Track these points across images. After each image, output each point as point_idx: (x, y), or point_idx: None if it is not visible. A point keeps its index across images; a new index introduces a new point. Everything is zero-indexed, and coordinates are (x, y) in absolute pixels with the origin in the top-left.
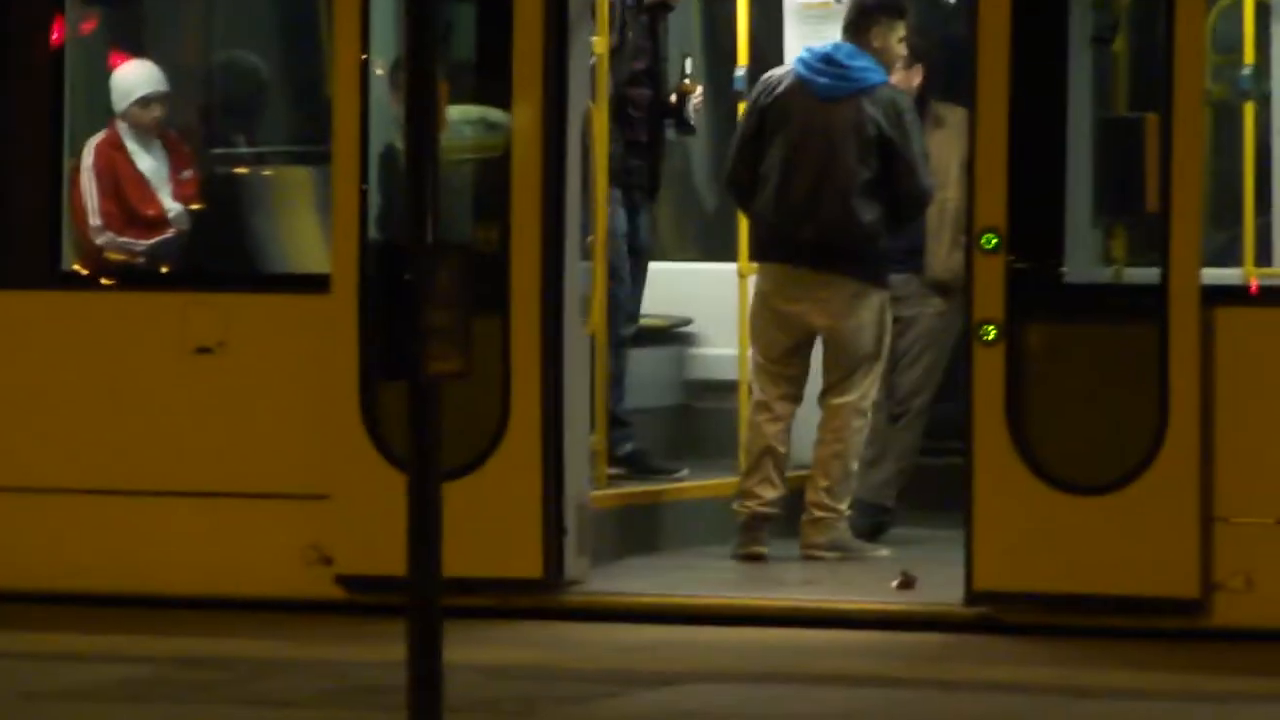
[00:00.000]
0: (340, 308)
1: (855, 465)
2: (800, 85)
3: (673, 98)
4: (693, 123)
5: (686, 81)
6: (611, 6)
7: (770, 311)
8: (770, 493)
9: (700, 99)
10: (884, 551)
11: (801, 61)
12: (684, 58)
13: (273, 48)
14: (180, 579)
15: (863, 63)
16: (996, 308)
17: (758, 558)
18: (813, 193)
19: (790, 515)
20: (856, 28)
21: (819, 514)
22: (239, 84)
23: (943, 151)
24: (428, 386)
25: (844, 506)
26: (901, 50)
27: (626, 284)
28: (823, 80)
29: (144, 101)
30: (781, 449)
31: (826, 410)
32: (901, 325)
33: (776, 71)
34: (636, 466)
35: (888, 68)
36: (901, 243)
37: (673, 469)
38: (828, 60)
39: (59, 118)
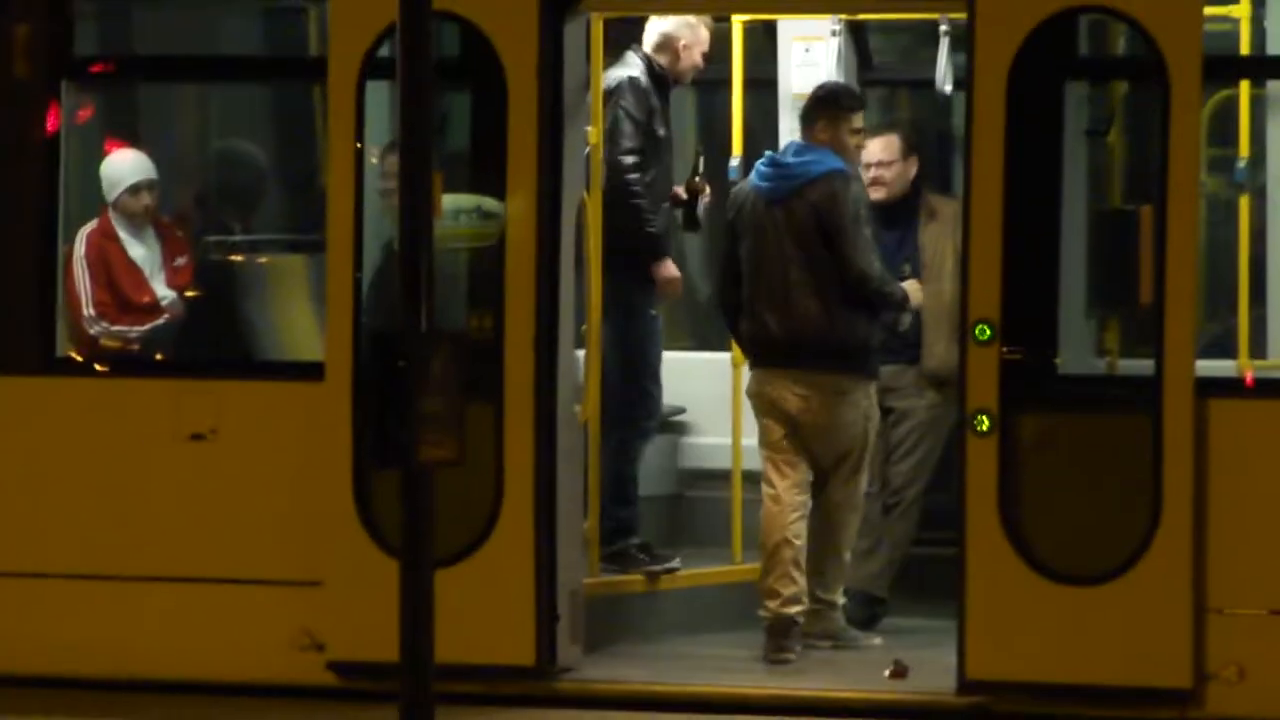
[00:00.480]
0: (334, 395)
1: (848, 555)
2: (754, 193)
3: (683, 193)
4: (700, 221)
5: (698, 180)
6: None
7: (763, 399)
8: (791, 588)
9: (709, 198)
10: (877, 640)
11: (755, 169)
12: (697, 155)
13: (269, 137)
14: (174, 664)
15: (809, 157)
16: (990, 398)
17: (786, 663)
18: (775, 297)
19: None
20: (804, 121)
21: (813, 605)
22: (235, 172)
23: (937, 243)
24: (421, 474)
25: (837, 596)
26: (854, 141)
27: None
28: (766, 184)
29: (134, 189)
30: (797, 541)
31: (817, 503)
32: (896, 416)
33: (742, 185)
34: (637, 558)
35: (846, 159)
36: (898, 333)
37: (665, 557)
38: (773, 163)
39: (53, 205)
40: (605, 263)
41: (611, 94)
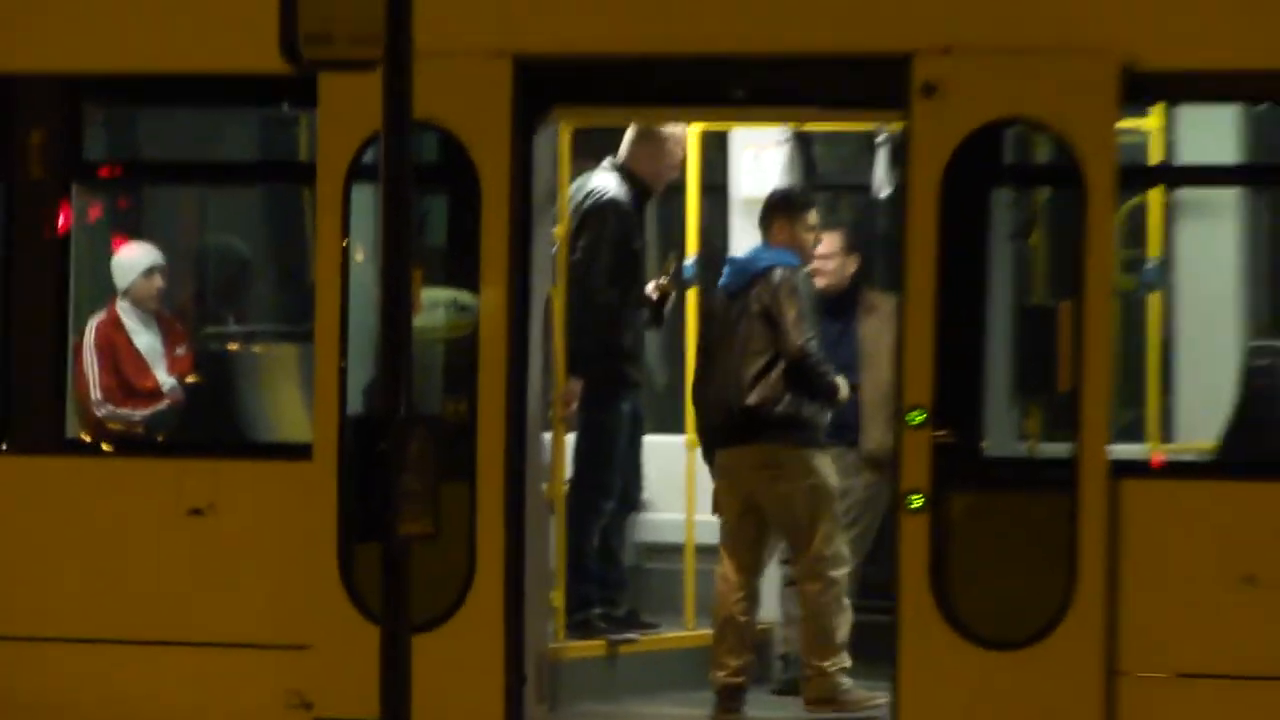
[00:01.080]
0: (321, 473)
1: (833, 620)
2: (720, 293)
3: (652, 293)
4: (665, 318)
5: (665, 281)
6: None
7: (721, 477)
8: (734, 661)
9: (673, 299)
10: (881, 699)
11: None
12: (670, 259)
13: (262, 235)
14: None
15: (765, 255)
16: (922, 478)
17: None
18: (722, 382)
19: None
20: (762, 225)
21: (808, 672)
22: (228, 268)
23: (876, 335)
24: (399, 547)
25: (826, 663)
26: (810, 239)
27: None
28: (724, 280)
29: (149, 272)
30: (742, 618)
31: (794, 578)
32: (835, 492)
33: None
34: (625, 622)
35: (803, 255)
36: (840, 418)
37: (653, 624)
38: (733, 261)
39: (65, 297)
40: (582, 358)
41: (593, 214)
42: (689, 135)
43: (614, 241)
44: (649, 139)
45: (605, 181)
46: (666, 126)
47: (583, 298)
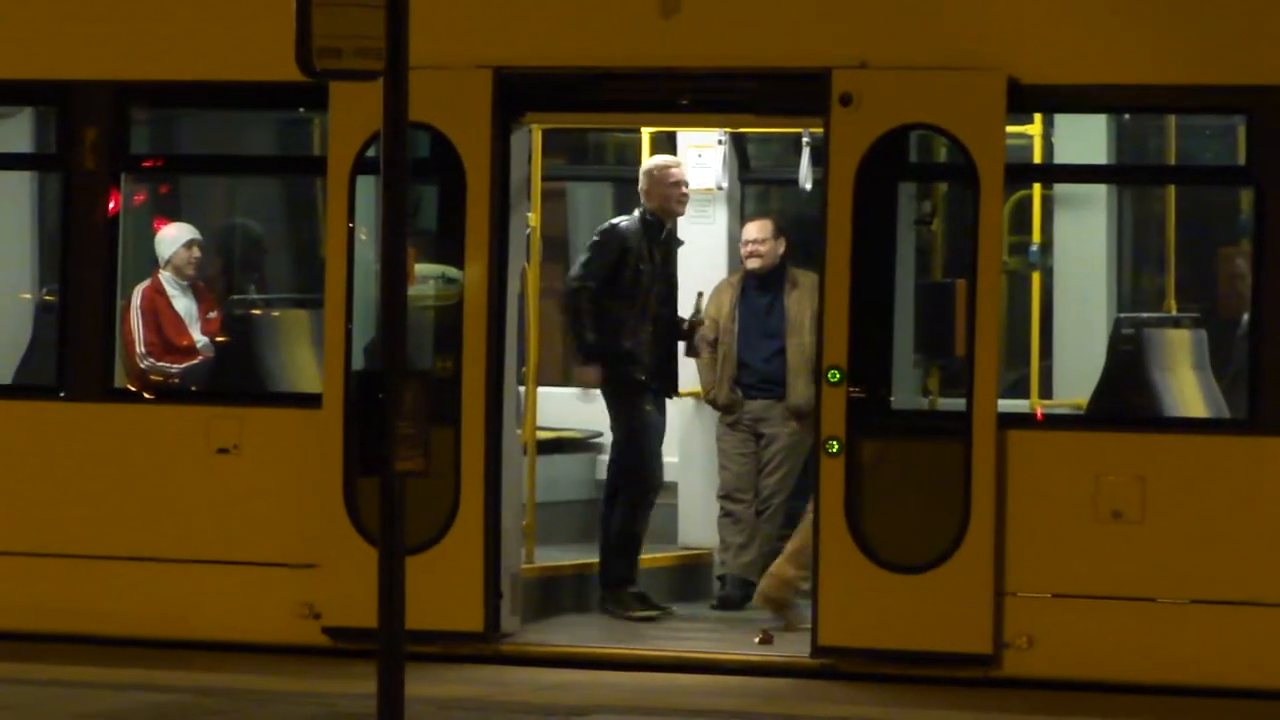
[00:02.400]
0: (329, 419)
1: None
2: None
3: (685, 324)
4: (697, 349)
5: (699, 317)
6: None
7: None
8: None
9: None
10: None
11: None
12: (699, 296)
13: (281, 217)
14: (202, 627)
15: None
16: (839, 427)
17: None
18: None
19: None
20: None
21: (775, 572)
22: (251, 245)
23: (799, 306)
24: (395, 481)
25: (798, 573)
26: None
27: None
28: None
29: (189, 244)
30: None
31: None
32: (766, 440)
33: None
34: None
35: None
36: (769, 375)
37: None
38: None
39: (114, 269)
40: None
41: (596, 238)
42: (642, 136)
43: (600, 255)
44: (648, 177)
45: (625, 216)
46: (664, 163)
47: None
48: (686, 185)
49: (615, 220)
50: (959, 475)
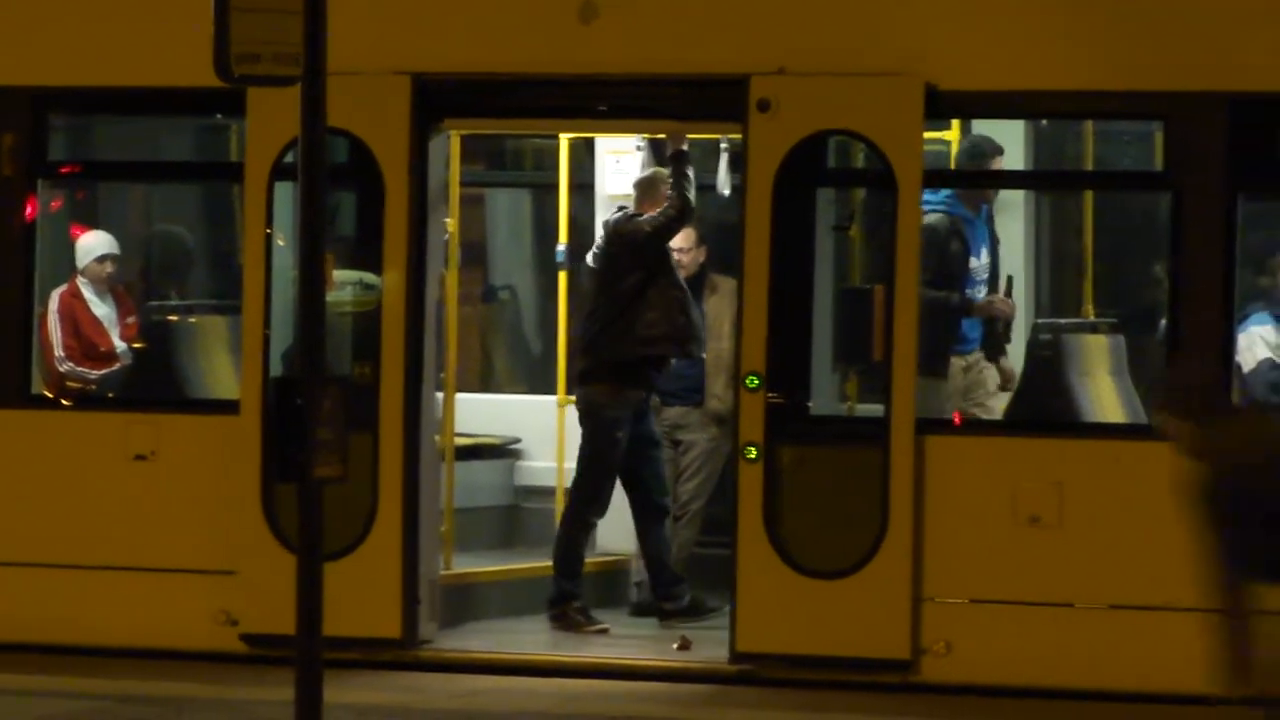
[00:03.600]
0: (247, 425)
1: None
2: None
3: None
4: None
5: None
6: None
7: None
8: None
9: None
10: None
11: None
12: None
13: (200, 223)
14: (120, 634)
15: None
16: (757, 433)
17: None
18: None
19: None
20: None
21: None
22: (170, 251)
23: (718, 312)
24: (314, 487)
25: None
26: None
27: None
28: None
29: (100, 259)
30: None
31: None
32: (684, 446)
33: None
34: (691, 612)
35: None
36: (687, 381)
37: (715, 607)
38: None
39: (30, 275)
40: (586, 377)
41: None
42: (560, 142)
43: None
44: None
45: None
46: (657, 176)
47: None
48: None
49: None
50: (877, 481)
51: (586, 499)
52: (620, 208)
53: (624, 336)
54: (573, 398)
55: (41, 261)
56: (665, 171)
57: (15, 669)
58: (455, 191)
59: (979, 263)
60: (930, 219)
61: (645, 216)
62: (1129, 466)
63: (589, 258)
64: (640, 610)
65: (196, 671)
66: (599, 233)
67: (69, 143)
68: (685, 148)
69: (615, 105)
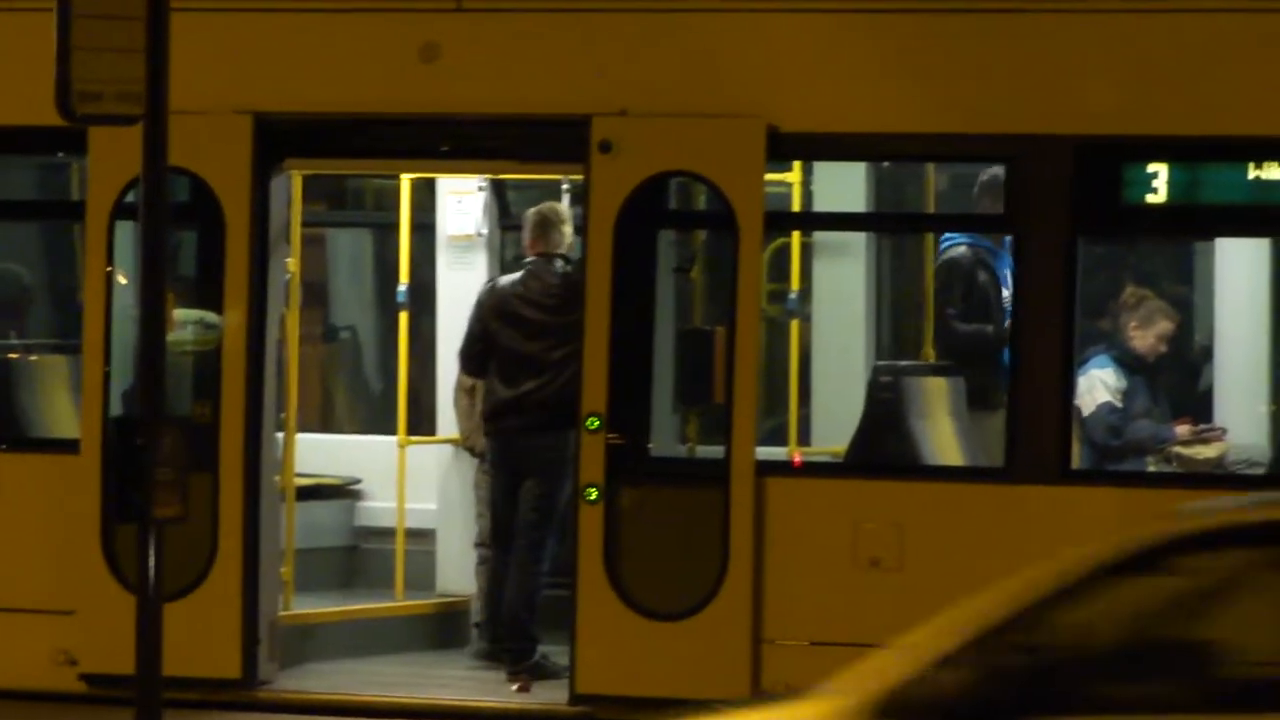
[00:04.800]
0: (87, 464)
1: None
2: None
3: None
4: None
5: None
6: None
7: None
8: None
9: None
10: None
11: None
12: None
13: (41, 262)
14: None
15: None
16: (598, 474)
17: None
18: None
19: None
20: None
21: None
22: (10, 290)
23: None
24: (154, 527)
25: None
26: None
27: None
28: None
29: None
30: None
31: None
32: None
33: None
34: (538, 673)
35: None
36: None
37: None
38: None
39: None
40: (545, 426)
41: None
42: (402, 182)
43: None
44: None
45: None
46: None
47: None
48: None
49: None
50: (718, 522)
51: (541, 544)
52: (550, 255)
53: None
54: (414, 438)
55: None
56: (560, 206)
57: None
58: (297, 231)
59: (1009, 293)
60: (953, 252)
61: None
62: (969, 509)
63: (523, 309)
64: (481, 653)
65: (36, 712)
66: (538, 278)
67: None
68: None
69: (457, 146)
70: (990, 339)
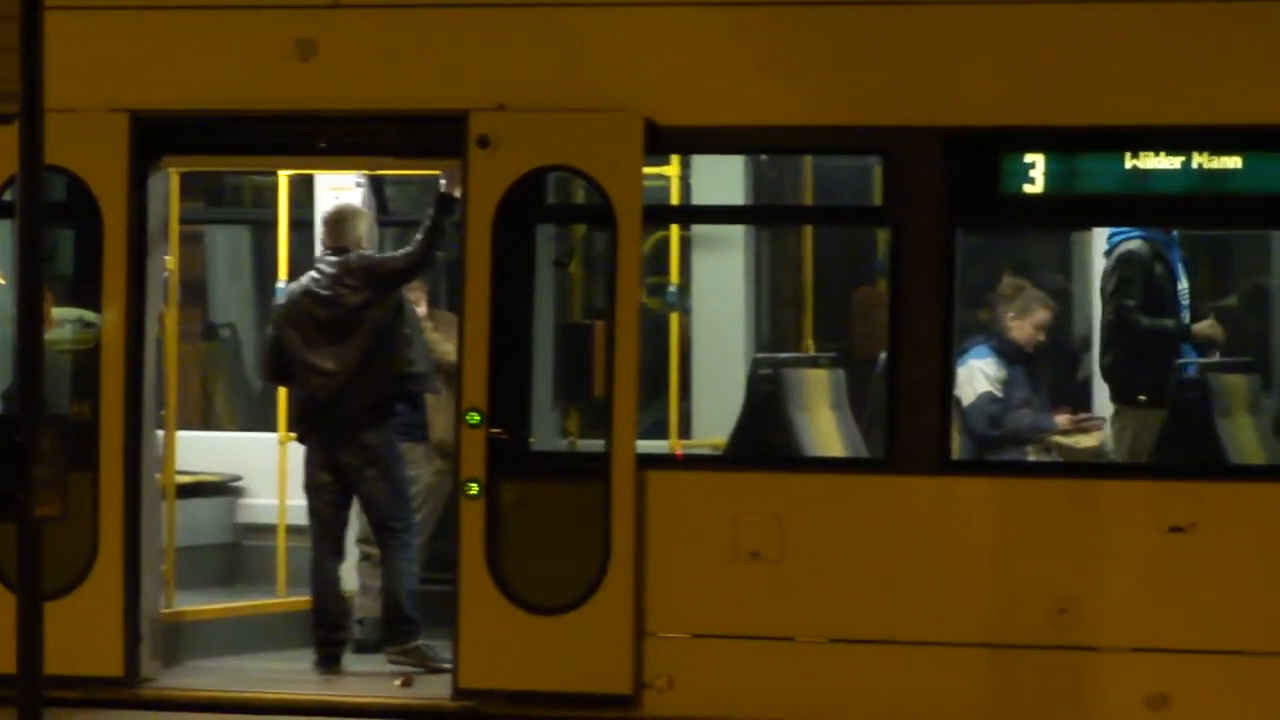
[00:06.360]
0: None
1: None
2: None
3: None
4: None
5: None
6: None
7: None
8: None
9: None
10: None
11: None
12: None
13: None
14: None
15: None
16: (479, 469)
17: None
18: None
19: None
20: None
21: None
22: None
23: (441, 347)
24: (33, 526)
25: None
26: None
27: None
28: None
29: None
30: None
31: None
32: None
33: None
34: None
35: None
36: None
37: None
38: None
39: None
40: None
41: None
42: (280, 179)
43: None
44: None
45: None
46: (351, 209)
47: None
48: None
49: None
50: (599, 516)
51: (410, 527)
52: (339, 249)
53: (383, 375)
54: (293, 435)
55: None
56: (350, 206)
57: None
58: (175, 229)
59: (1184, 285)
60: (1129, 245)
61: (399, 253)
62: (849, 500)
63: (311, 306)
64: (362, 647)
65: None
66: (320, 271)
67: None
68: (457, 193)
69: (335, 142)
70: (1166, 333)
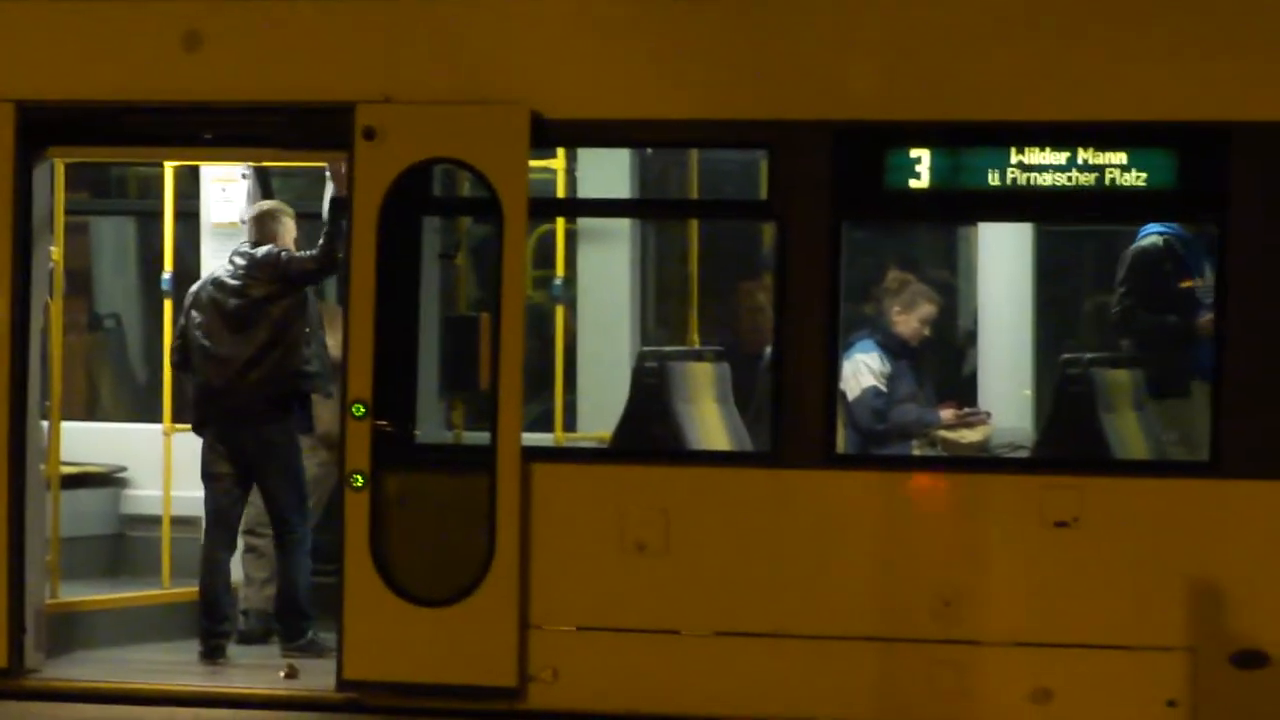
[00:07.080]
0: None
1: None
2: None
3: None
4: None
5: None
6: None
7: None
8: None
9: None
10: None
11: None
12: None
13: None
14: None
15: None
16: (364, 461)
17: None
18: None
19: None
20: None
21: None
22: None
23: (329, 340)
24: None
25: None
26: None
27: None
28: None
29: None
30: None
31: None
32: None
33: None
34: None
35: None
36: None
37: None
38: None
39: None
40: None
41: None
42: (165, 170)
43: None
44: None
45: None
46: (276, 208)
47: None
48: None
49: None
50: (484, 508)
51: (307, 521)
52: (257, 244)
53: (278, 369)
54: (180, 426)
55: None
56: (277, 204)
57: None
58: (60, 220)
59: (1205, 281)
60: (1148, 241)
61: (307, 254)
62: (735, 494)
63: (213, 288)
64: (246, 638)
65: None
66: (232, 263)
67: None
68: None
69: (221, 133)
70: (1184, 328)
